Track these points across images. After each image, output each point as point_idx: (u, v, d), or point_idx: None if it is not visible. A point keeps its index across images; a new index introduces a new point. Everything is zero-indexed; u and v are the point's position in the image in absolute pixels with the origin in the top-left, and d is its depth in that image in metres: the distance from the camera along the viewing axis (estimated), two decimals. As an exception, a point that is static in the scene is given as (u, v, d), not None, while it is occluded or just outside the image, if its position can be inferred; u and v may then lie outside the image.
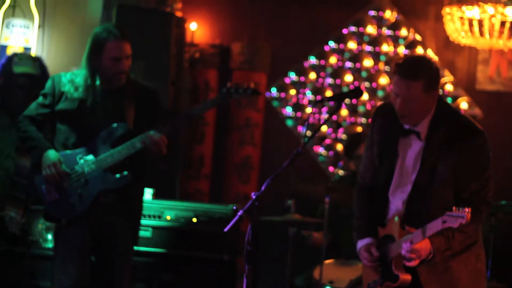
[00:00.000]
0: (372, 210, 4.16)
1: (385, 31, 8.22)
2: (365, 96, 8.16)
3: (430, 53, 8.13)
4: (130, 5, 7.32)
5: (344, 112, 8.16)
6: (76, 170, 4.81)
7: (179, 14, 7.77)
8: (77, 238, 4.80)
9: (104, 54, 4.77)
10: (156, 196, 6.27)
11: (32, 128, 4.86)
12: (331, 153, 8.20)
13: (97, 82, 4.85)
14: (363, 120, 8.19)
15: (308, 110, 8.20)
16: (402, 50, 8.19)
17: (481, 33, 7.17)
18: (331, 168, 8.19)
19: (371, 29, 8.23)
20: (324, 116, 8.16)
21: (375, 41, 8.23)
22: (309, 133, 4.19)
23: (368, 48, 8.24)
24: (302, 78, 8.26)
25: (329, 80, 8.24)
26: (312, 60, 8.26)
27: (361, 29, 8.22)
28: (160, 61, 7.14)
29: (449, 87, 8.12)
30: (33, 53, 6.85)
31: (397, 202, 4.05)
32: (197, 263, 6.11)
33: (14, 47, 6.91)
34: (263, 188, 3.94)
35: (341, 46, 8.25)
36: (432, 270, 3.95)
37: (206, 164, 8.10)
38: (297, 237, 6.71)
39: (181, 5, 7.92)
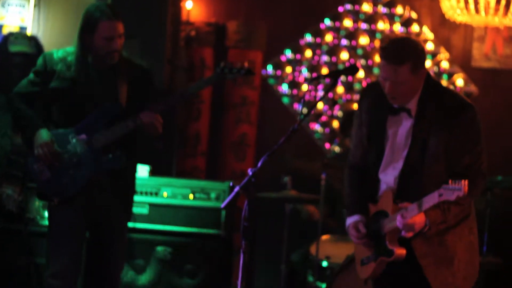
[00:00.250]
0: (363, 188, 4.16)
1: (381, 8, 8.21)
2: (361, 74, 8.16)
3: (426, 31, 8.13)
4: (126, -16, 7.31)
5: (340, 89, 8.16)
6: (69, 149, 4.76)
7: (174, -8, 7.75)
8: (70, 220, 4.77)
9: (97, 34, 4.72)
10: (152, 173, 6.30)
11: (23, 106, 4.80)
12: (327, 130, 8.21)
13: (89, 60, 4.81)
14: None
15: (304, 87, 8.19)
16: (398, 27, 8.18)
17: (477, 10, 7.16)
18: (327, 145, 8.20)
19: (367, 7, 8.21)
20: (320, 93, 8.15)
21: (371, 19, 8.22)
22: (305, 110, 4.21)
23: (364, 26, 8.23)
24: (298, 56, 8.25)
25: (325, 58, 8.23)
26: (308, 38, 8.24)
27: (356, 7, 8.21)
28: (156, 40, 7.13)
29: (444, 64, 8.13)
30: (29, 32, 6.85)
31: (388, 179, 4.03)
32: (194, 239, 6.14)
33: (10, 26, 6.90)
34: (259, 164, 3.95)
35: (337, 24, 8.23)
36: (427, 244, 3.94)
37: (203, 141, 8.10)
38: (293, 213, 6.75)
39: (176, -16, 7.90)
